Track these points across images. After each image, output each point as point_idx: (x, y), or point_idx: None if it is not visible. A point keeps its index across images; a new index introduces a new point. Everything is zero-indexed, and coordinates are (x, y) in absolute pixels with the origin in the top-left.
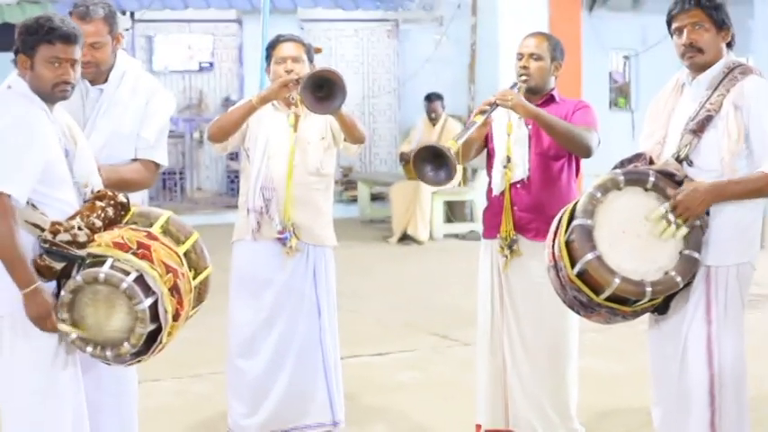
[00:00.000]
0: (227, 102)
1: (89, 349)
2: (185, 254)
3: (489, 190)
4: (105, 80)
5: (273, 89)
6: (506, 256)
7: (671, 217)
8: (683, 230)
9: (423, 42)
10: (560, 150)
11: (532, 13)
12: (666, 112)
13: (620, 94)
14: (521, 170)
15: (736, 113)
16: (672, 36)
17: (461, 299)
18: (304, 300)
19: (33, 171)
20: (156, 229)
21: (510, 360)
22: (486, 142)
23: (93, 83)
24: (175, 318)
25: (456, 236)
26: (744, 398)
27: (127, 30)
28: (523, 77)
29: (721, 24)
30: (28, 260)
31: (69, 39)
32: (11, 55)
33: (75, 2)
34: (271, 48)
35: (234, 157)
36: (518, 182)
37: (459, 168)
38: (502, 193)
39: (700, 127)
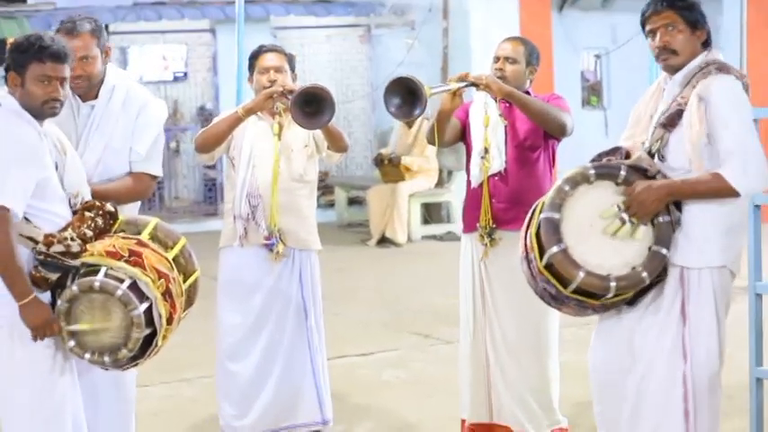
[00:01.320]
0: (203, 111)
1: (87, 356)
2: (174, 259)
3: (468, 183)
4: (95, 95)
5: (259, 101)
6: (486, 245)
7: (624, 216)
8: (641, 229)
9: (395, 47)
10: (536, 141)
11: (503, 16)
12: (648, 115)
13: (593, 93)
14: (498, 162)
15: (699, 105)
16: (646, 37)
17: (441, 298)
18: (291, 303)
19: (29, 186)
20: (144, 236)
21: (492, 354)
22: (464, 136)
23: (83, 99)
24: (169, 321)
25: (434, 237)
26: (718, 395)
27: None
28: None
29: (695, 24)
30: (24, 271)
31: (59, 57)
32: None
33: (61, 19)
34: (253, 58)
35: (211, 165)
36: (495, 174)
37: (436, 169)
38: (480, 186)
39: (670, 121)
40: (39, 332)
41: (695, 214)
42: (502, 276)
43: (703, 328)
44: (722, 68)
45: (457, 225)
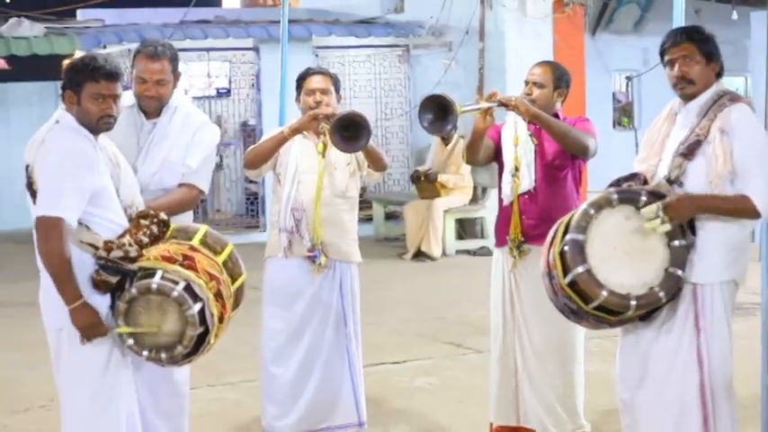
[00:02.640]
0: (245, 126)
1: (145, 353)
2: (223, 263)
3: (500, 201)
4: (159, 114)
5: (304, 122)
6: (515, 257)
7: (661, 213)
8: (667, 227)
9: (433, 67)
10: (564, 161)
11: (538, 38)
12: (661, 139)
13: (624, 114)
14: (527, 181)
15: (722, 138)
16: (664, 67)
17: (474, 310)
18: (331, 311)
19: (82, 196)
20: (196, 242)
21: (521, 361)
22: (497, 155)
23: (148, 116)
24: (220, 320)
25: (467, 252)
26: (733, 398)
27: None
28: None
29: (711, 56)
30: (75, 278)
31: (112, 76)
32: (41, 84)
33: (143, 41)
34: (301, 79)
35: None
36: (525, 192)
37: (471, 186)
38: (511, 203)
39: (689, 151)
40: (86, 334)
41: (708, 235)
42: (530, 287)
43: (717, 337)
44: (734, 99)
45: (490, 240)
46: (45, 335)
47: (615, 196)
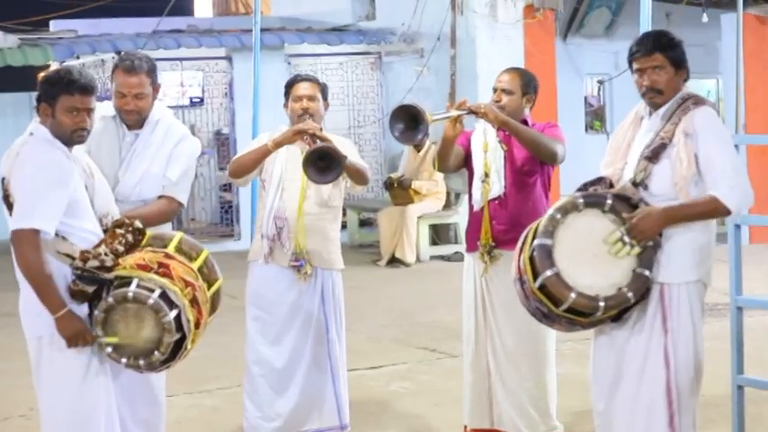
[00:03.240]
0: (219, 135)
1: (124, 360)
2: (199, 269)
3: (470, 207)
4: (141, 126)
5: (287, 136)
6: (486, 262)
7: (626, 239)
8: (637, 250)
9: (405, 73)
10: (533, 167)
11: (509, 43)
12: (626, 143)
13: (596, 118)
14: (497, 187)
15: (686, 141)
16: (633, 74)
17: (448, 315)
18: (312, 317)
19: (58, 207)
20: (171, 249)
21: (493, 364)
22: (467, 162)
23: (129, 128)
24: (197, 326)
25: (442, 257)
26: (698, 397)
27: None
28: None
29: (679, 64)
30: (57, 287)
31: (87, 90)
32: (16, 95)
33: (120, 55)
34: (289, 86)
35: (227, 188)
36: (495, 198)
37: (444, 192)
38: (482, 209)
39: (654, 154)
40: (73, 342)
41: (674, 236)
42: (501, 292)
43: (682, 337)
44: (698, 102)
45: (464, 246)
46: (25, 344)
47: (581, 200)
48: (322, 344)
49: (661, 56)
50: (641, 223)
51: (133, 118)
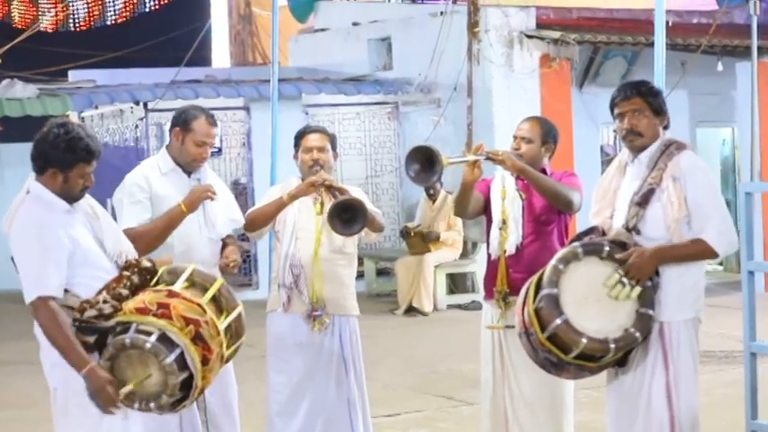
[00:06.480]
0: (237, 185)
1: (136, 405)
2: (214, 298)
3: (488, 255)
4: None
5: (302, 189)
6: (501, 308)
7: (624, 280)
8: (637, 290)
9: (422, 123)
10: (550, 216)
11: (525, 93)
12: (612, 191)
13: None
14: (515, 236)
15: (675, 184)
16: (614, 119)
17: (465, 363)
18: (332, 361)
19: (59, 268)
20: (178, 286)
21: (511, 412)
22: (485, 209)
23: (188, 174)
24: (205, 362)
25: (459, 306)
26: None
27: (141, 119)
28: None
29: (658, 110)
30: (78, 345)
31: (98, 155)
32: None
33: (192, 107)
34: (299, 137)
35: (245, 238)
36: (513, 247)
37: (461, 241)
38: (499, 257)
39: (644, 199)
40: (99, 397)
41: (672, 276)
42: (518, 339)
43: (683, 373)
44: (680, 147)
45: (481, 294)
46: (42, 393)
47: (580, 249)
48: (341, 390)
49: (640, 100)
50: (636, 262)
51: (202, 164)
